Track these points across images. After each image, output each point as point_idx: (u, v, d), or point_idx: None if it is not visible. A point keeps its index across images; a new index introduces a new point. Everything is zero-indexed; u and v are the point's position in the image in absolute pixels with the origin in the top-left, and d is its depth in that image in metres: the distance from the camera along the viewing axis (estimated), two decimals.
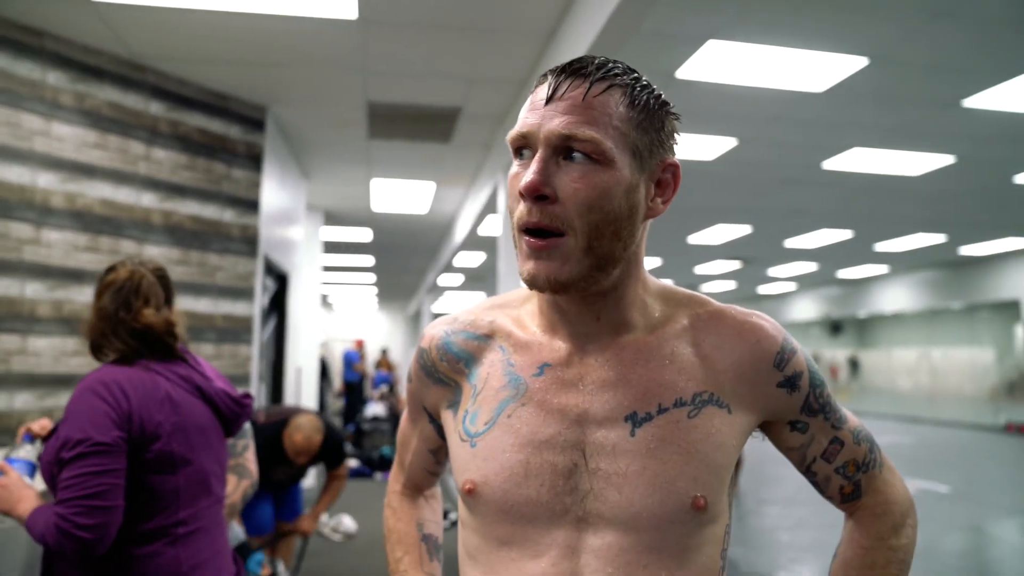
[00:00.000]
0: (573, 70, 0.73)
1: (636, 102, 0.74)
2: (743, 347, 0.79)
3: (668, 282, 0.87)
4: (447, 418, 0.87)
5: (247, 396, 1.67)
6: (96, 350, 1.51)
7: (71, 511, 1.27)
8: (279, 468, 3.18)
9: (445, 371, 0.87)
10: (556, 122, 0.71)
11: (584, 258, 0.72)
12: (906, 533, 0.87)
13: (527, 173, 0.71)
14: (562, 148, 0.72)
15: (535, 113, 0.73)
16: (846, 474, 0.85)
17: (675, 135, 0.79)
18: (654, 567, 0.73)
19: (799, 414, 0.82)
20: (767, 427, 0.85)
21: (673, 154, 0.79)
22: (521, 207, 0.73)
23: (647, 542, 0.73)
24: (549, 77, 0.75)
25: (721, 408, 0.77)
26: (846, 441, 0.85)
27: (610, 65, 0.74)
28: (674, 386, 0.77)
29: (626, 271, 0.78)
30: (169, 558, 1.41)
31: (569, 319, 0.80)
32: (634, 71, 0.77)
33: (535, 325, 0.83)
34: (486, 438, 0.78)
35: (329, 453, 3.24)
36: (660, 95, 0.77)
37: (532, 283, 0.74)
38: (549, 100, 0.72)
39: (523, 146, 0.75)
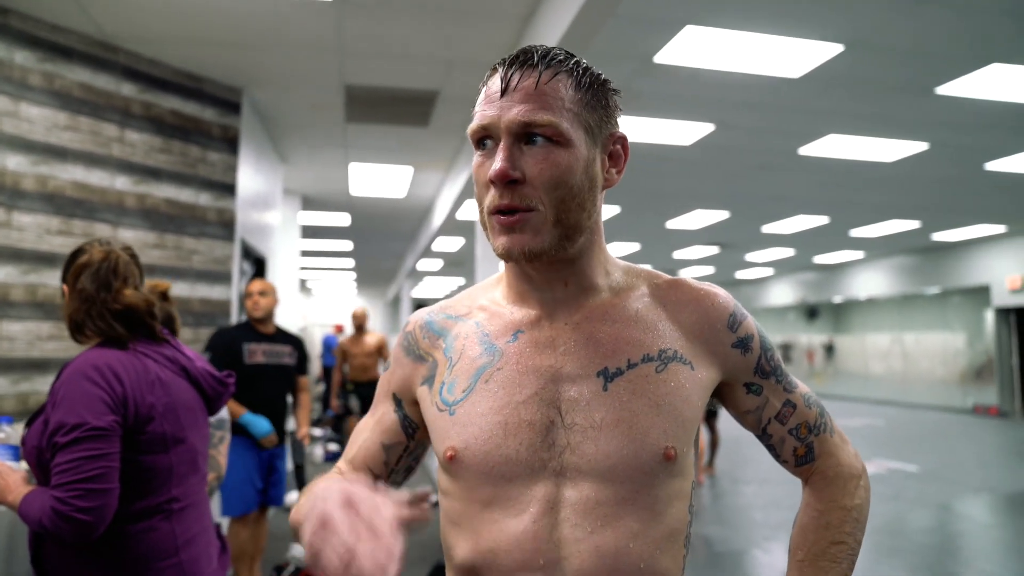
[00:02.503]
0: (521, 62, 0.79)
1: (582, 84, 0.80)
2: (699, 309, 0.86)
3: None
4: (423, 394, 0.89)
5: (229, 375, 1.71)
6: (76, 332, 1.50)
7: (69, 494, 1.27)
8: (257, 347, 3.47)
9: (426, 347, 0.90)
10: (515, 111, 0.77)
11: (553, 229, 0.78)
12: (859, 494, 0.92)
13: (495, 161, 0.77)
14: (523, 134, 0.77)
15: (493, 105, 0.78)
16: (799, 436, 0.91)
17: (618, 109, 0.85)
18: (629, 519, 0.77)
19: (753, 376, 0.88)
20: (725, 391, 0.90)
21: (618, 127, 0.85)
22: (491, 193, 0.78)
23: (622, 494, 0.77)
24: (499, 70, 0.80)
25: (685, 364, 0.83)
26: (798, 404, 0.91)
27: (553, 52, 0.80)
28: (641, 343, 0.82)
29: (589, 239, 0.84)
30: (164, 533, 1.45)
31: (538, 287, 0.85)
32: (574, 56, 0.82)
33: (507, 299, 0.89)
34: (464, 405, 0.82)
35: (294, 339, 3.71)
36: (600, 74, 0.83)
37: (507, 255, 0.78)
38: (504, 92, 0.78)
39: (485, 137, 0.80)
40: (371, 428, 0.95)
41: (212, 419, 2.03)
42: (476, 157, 0.81)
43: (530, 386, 0.80)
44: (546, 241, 0.77)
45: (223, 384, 1.67)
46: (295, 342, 3.70)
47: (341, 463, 0.96)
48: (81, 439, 1.31)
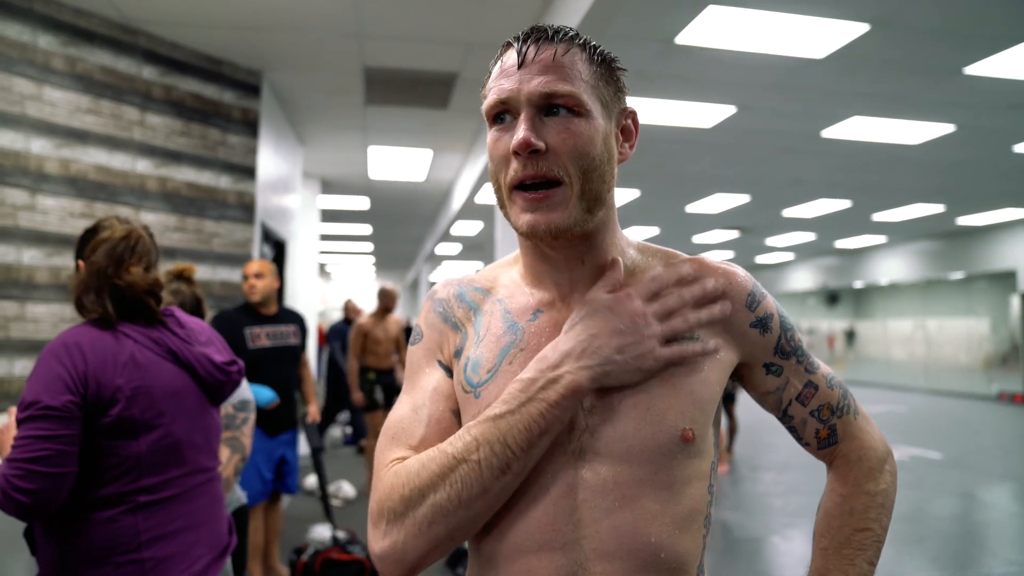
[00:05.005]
0: (537, 36, 0.79)
1: (594, 59, 0.80)
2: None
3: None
4: (455, 365, 0.88)
5: (233, 363, 1.60)
6: (79, 308, 1.46)
7: (12, 472, 1.25)
8: (260, 330, 3.38)
9: (460, 317, 0.89)
10: (535, 82, 0.76)
11: (579, 203, 0.77)
12: (884, 479, 0.89)
13: (517, 132, 0.75)
14: (544, 105, 0.77)
15: (510, 79, 0.78)
16: (821, 417, 0.89)
17: (626, 87, 0.85)
18: (647, 500, 0.76)
19: (773, 356, 0.86)
20: (745, 372, 0.88)
21: (627, 104, 0.86)
22: (514, 165, 0.77)
23: (640, 475, 0.76)
24: (514, 45, 0.79)
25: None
26: (819, 385, 0.88)
27: (565, 29, 0.80)
28: None
29: (607, 214, 0.83)
30: (126, 525, 1.37)
31: (556, 267, 0.84)
32: (581, 34, 0.83)
33: (524, 280, 0.88)
34: (489, 387, 0.81)
35: (291, 313, 3.61)
36: (609, 51, 0.83)
37: (532, 232, 0.77)
38: (521, 65, 0.77)
39: (502, 112, 0.79)
40: (428, 401, 0.84)
41: (234, 400, 2.00)
42: (492, 133, 0.80)
43: None
44: (572, 216, 0.77)
45: (223, 371, 1.56)
46: (299, 320, 3.60)
47: (401, 450, 0.81)
48: (34, 417, 1.28)
